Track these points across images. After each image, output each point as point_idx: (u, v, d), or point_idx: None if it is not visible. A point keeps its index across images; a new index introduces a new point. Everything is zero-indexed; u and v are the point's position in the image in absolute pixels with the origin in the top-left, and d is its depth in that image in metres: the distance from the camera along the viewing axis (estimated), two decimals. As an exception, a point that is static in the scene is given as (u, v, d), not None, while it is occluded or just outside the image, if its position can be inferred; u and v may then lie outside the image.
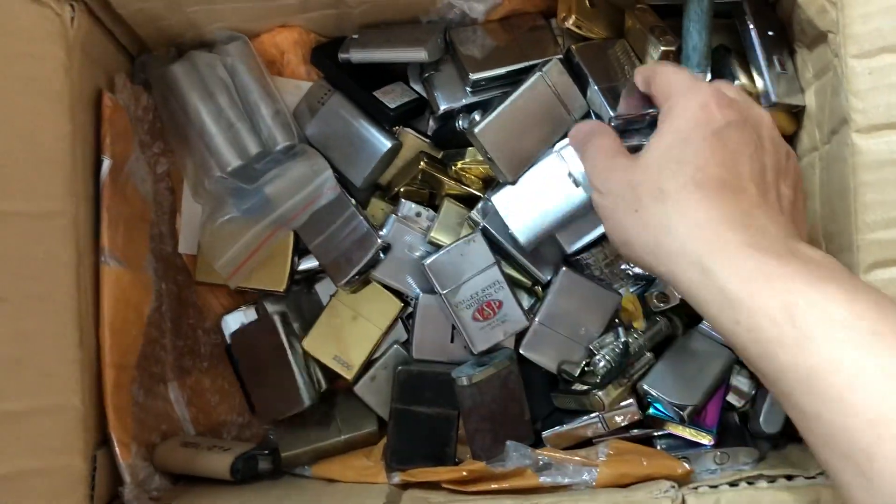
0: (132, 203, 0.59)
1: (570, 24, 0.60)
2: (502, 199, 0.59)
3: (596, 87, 0.59)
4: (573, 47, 0.61)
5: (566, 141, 0.59)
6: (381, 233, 0.63)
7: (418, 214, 0.64)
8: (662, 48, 0.58)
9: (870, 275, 0.50)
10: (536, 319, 0.62)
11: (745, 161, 0.43)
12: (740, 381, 0.63)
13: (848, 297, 0.36)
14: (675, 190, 0.43)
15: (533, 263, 0.63)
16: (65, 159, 0.52)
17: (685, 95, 0.45)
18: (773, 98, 0.58)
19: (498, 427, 0.62)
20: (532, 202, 0.59)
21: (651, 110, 0.56)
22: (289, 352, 0.63)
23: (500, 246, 0.62)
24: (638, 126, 0.59)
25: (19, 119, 0.50)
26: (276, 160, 0.62)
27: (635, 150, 0.48)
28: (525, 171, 0.59)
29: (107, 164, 0.56)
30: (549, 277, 0.63)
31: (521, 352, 0.63)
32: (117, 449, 0.55)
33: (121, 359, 0.55)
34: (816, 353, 0.35)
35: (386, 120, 0.63)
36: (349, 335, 0.65)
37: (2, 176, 0.49)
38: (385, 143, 0.63)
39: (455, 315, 0.61)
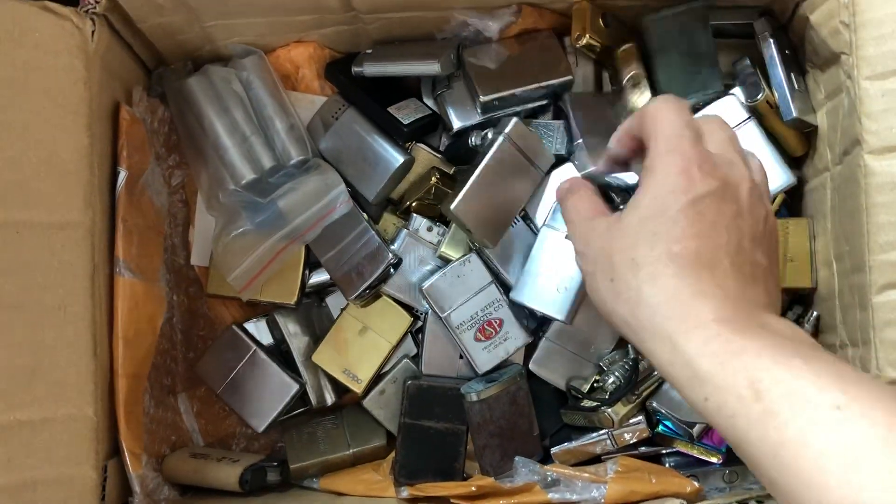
0: (147, 215, 0.60)
1: (583, 43, 0.61)
2: (522, 293, 0.60)
3: (580, 141, 0.60)
4: (566, 96, 0.61)
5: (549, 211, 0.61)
6: (392, 247, 0.63)
7: (429, 229, 0.64)
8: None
9: (882, 295, 0.50)
10: (546, 336, 0.63)
11: (723, 232, 0.42)
12: (750, 400, 0.63)
13: (812, 371, 0.36)
14: (648, 262, 0.42)
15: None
16: (82, 171, 0.52)
17: (667, 155, 0.43)
18: (794, 114, 0.58)
19: (507, 443, 0.62)
20: (549, 281, 0.59)
21: (627, 173, 0.54)
22: (260, 352, 0.64)
23: (497, 274, 0.63)
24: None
25: (38, 130, 0.50)
26: (289, 174, 0.63)
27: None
28: (530, 254, 0.61)
29: (123, 175, 0.56)
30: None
31: (530, 368, 0.63)
32: (128, 460, 0.55)
33: (134, 370, 0.56)
34: (783, 429, 0.35)
35: (400, 135, 0.64)
36: (359, 349, 0.65)
37: (20, 186, 0.49)
38: (398, 158, 0.64)
39: (457, 337, 0.62)
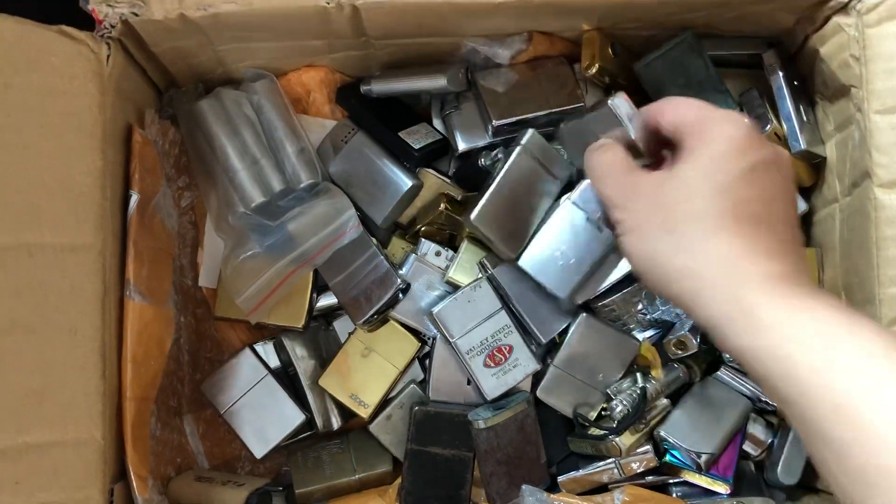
0: (158, 237, 0.60)
1: (593, 72, 0.61)
2: (529, 260, 0.60)
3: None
4: (562, 126, 0.61)
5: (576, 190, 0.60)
6: (400, 272, 0.63)
7: (437, 254, 0.64)
8: None
9: (892, 329, 0.50)
10: (554, 363, 0.62)
11: (779, 201, 0.44)
12: (757, 430, 0.63)
13: (876, 331, 0.37)
14: (711, 216, 0.42)
15: (533, 323, 0.63)
16: (94, 193, 0.53)
17: (720, 122, 0.44)
18: (802, 145, 0.58)
19: (513, 470, 0.61)
20: (559, 255, 0.59)
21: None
22: (271, 377, 0.64)
23: (506, 301, 0.63)
24: None
25: (52, 154, 0.51)
26: (299, 198, 0.63)
27: None
28: (541, 227, 0.60)
29: (135, 198, 0.56)
30: (547, 339, 0.63)
31: (537, 395, 0.63)
32: (135, 483, 0.55)
33: (141, 393, 0.56)
34: (848, 383, 0.36)
35: (410, 160, 0.64)
36: (366, 374, 0.65)
37: (33, 208, 0.50)
38: (406, 183, 0.64)
39: (466, 363, 0.62)
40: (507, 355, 0.62)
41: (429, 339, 0.65)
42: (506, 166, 0.59)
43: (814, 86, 0.60)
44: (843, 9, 0.53)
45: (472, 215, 0.58)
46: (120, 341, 0.55)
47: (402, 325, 0.65)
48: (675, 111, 0.46)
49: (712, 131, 0.44)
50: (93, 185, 0.53)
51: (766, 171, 0.43)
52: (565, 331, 0.63)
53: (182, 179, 0.66)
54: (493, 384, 0.62)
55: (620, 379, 0.62)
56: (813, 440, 0.38)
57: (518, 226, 0.60)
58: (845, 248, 0.56)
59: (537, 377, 0.63)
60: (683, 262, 0.43)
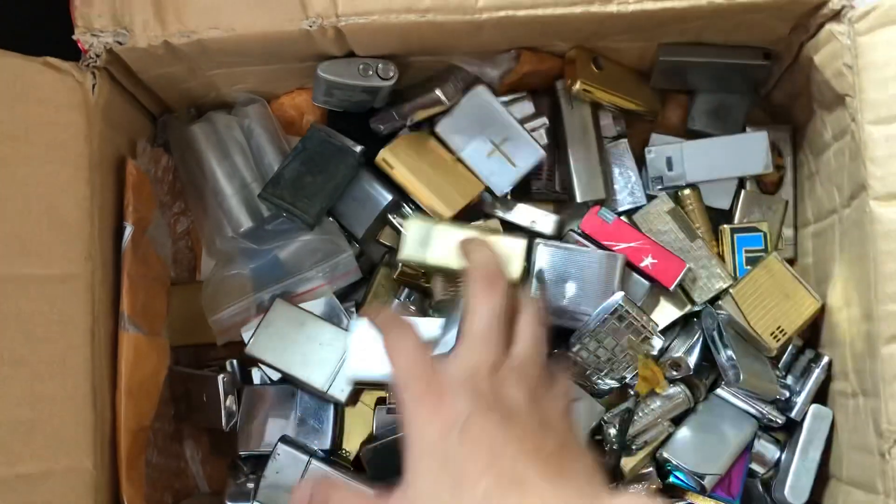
0: (153, 268, 0.60)
1: (576, 89, 0.61)
2: None
3: None
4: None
5: None
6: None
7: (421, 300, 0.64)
8: None
9: (890, 346, 0.48)
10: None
11: (504, 444, 0.41)
12: (764, 448, 0.62)
13: None
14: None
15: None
16: (83, 223, 0.53)
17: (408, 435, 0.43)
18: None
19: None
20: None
21: None
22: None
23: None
24: None
25: (40, 184, 0.51)
26: (288, 223, 0.63)
27: None
28: None
29: (129, 230, 0.56)
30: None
31: None
32: (128, 512, 0.55)
33: (136, 424, 0.55)
34: None
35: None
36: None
37: (20, 239, 0.50)
38: (386, 197, 0.63)
39: None
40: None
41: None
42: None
43: (810, 94, 0.59)
44: (836, 16, 0.52)
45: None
46: (114, 373, 0.55)
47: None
48: None
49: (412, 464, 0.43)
50: (81, 216, 0.53)
51: (467, 427, 0.41)
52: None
53: (178, 205, 0.66)
54: None
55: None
56: None
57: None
58: (844, 262, 0.55)
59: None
60: None
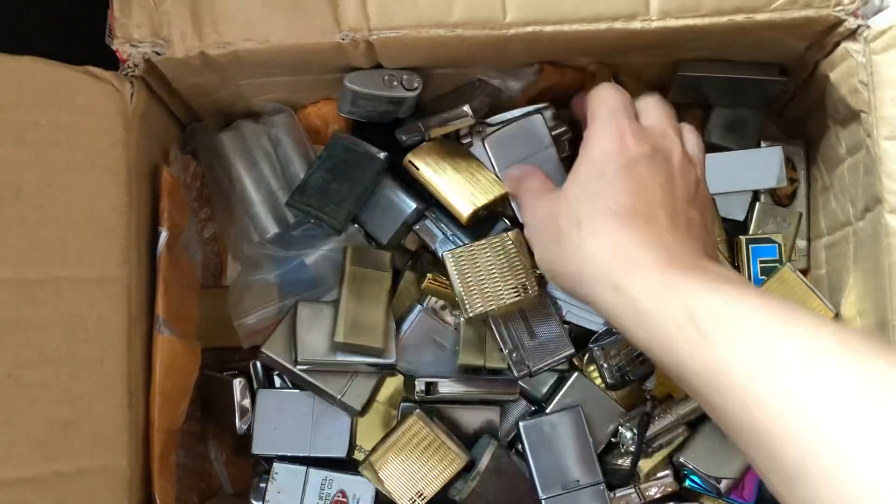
0: (186, 272, 0.61)
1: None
2: None
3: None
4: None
5: None
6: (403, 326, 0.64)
7: (443, 308, 0.65)
8: None
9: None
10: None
11: (656, 191, 0.47)
12: (777, 453, 0.63)
13: (740, 295, 0.39)
14: (590, 219, 0.47)
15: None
16: (120, 228, 0.54)
17: (602, 126, 0.50)
18: None
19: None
20: None
21: None
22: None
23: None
24: None
25: (79, 190, 0.52)
26: (314, 228, 0.64)
27: None
28: None
29: (164, 235, 0.58)
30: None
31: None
32: (160, 510, 0.56)
33: (169, 424, 0.57)
34: (716, 351, 0.38)
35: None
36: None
37: (61, 243, 0.51)
38: (410, 205, 0.65)
39: None
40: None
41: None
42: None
43: (825, 110, 0.60)
44: (852, 35, 0.53)
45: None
46: (148, 374, 0.56)
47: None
48: (589, 102, 0.53)
49: (593, 138, 0.50)
50: (118, 220, 0.54)
51: (646, 163, 0.48)
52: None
53: (205, 211, 0.68)
54: None
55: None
56: (704, 407, 0.40)
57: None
58: (858, 273, 0.57)
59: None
60: (574, 267, 0.47)
